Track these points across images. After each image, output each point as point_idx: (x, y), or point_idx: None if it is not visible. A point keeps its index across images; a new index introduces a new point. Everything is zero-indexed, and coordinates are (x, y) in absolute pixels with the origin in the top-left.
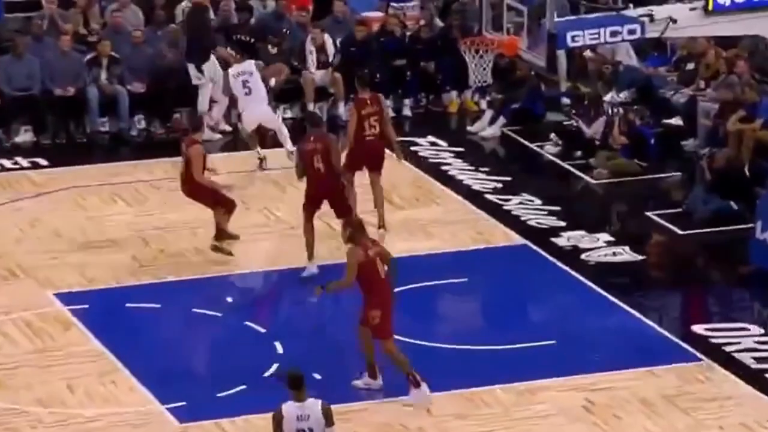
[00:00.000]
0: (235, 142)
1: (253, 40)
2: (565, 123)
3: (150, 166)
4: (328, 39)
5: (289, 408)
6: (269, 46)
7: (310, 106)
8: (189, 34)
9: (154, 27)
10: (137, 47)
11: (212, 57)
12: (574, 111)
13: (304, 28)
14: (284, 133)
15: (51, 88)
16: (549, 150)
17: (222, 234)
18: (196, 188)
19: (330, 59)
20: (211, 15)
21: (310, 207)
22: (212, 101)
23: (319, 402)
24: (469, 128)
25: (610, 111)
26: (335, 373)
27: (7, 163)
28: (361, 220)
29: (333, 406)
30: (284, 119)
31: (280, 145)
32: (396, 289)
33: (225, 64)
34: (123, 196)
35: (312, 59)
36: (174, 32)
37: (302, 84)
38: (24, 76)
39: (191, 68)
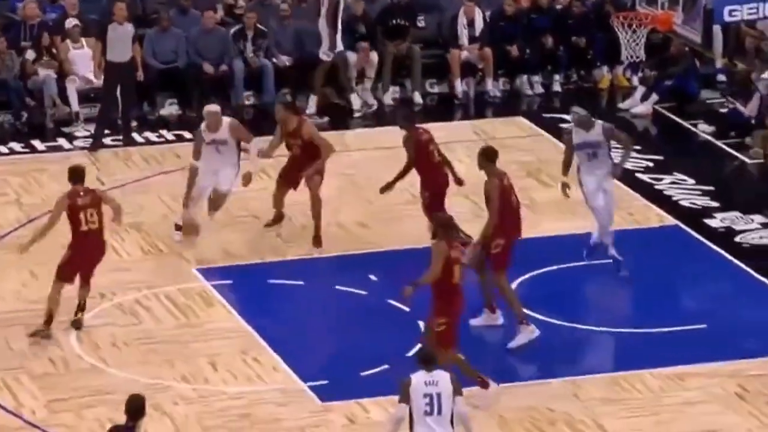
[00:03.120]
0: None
1: (407, 23)
2: (720, 102)
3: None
4: (479, 13)
5: (417, 375)
6: (418, 21)
7: (457, 83)
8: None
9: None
10: (284, 20)
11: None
12: (729, 91)
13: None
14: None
15: (197, 62)
16: (703, 128)
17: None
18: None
19: (479, 34)
20: None
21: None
22: None
23: (448, 373)
24: (620, 105)
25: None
26: (476, 355)
27: (152, 136)
28: (451, 217)
29: (473, 388)
30: (430, 94)
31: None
32: (545, 269)
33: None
34: (267, 171)
35: (464, 34)
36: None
37: (449, 60)
38: (169, 49)
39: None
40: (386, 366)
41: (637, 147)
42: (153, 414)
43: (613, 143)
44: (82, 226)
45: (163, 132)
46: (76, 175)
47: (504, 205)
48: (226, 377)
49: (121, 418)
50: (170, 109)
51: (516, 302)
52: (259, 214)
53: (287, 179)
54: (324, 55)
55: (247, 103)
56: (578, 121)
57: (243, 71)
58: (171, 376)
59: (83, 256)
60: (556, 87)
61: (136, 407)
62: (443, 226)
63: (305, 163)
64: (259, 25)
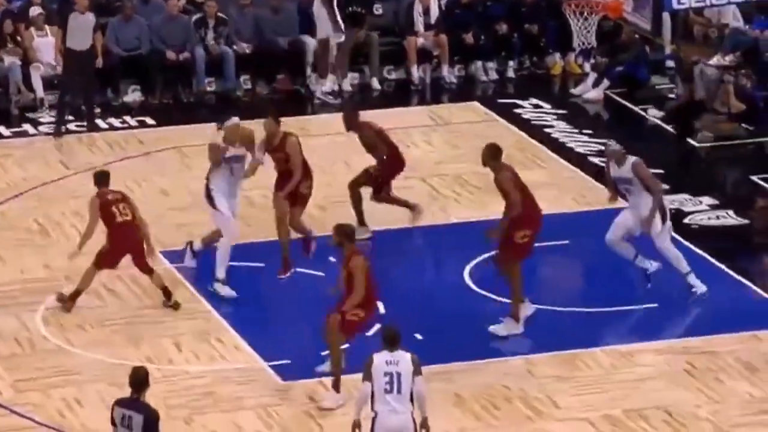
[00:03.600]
0: None
1: (363, 10)
2: (669, 87)
3: (256, 126)
4: (434, 1)
5: (379, 354)
6: (374, 8)
7: (414, 69)
8: None
9: None
10: (244, 8)
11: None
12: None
13: None
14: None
15: (160, 49)
16: (653, 113)
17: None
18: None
19: (434, 21)
20: None
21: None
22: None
23: (410, 353)
24: (572, 91)
25: (719, 76)
26: (437, 335)
27: (116, 122)
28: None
29: (434, 366)
30: (388, 80)
31: None
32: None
33: None
34: None
35: (420, 21)
36: None
37: (406, 47)
38: (132, 36)
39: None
40: (346, 345)
41: (589, 131)
42: (117, 394)
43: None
44: (117, 218)
45: (127, 118)
46: (102, 178)
47: (524, 194)
48: (189, 357)
49: (87, 398)
50: (133, 95)
51: (518, 296)
52: None
53: (289, 201)
54: (334, 38)
55: (208, 89)
56: (610, 154)
57: (204, 58)
58: (136, 356)
59: (124, 246)
60: (510, 73)
61: (139, 380)
62: (348, 236)
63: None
64: (220, 14)
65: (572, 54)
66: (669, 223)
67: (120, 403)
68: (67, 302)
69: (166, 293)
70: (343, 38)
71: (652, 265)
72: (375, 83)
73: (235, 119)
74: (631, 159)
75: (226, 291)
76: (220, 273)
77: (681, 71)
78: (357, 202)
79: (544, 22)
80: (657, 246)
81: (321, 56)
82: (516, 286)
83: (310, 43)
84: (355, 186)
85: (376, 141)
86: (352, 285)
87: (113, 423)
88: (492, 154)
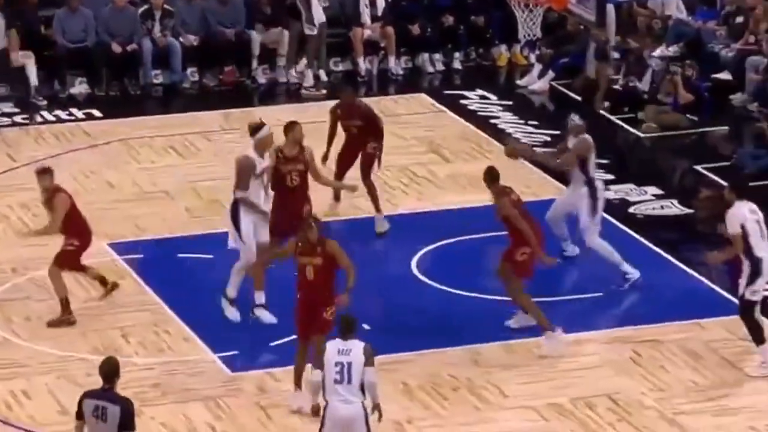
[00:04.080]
0: None
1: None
2: (613, 78)
3: (202, 118)
4: None
5: (332, 342)
6: (322, 1)
7: (360, 61)
8: None
9: None
10: (190, 0)
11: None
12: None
13: None
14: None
15: (106, 41)
16: (598, 104)
17: None
18: None
19: (381, 13)
20: None
21: None
22: None
23: (363, 343)
24: (518, 82)
25: (664, 67)
26: (384, 325)
27: (62, 114)
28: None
29: (381, 356)
30: (335, 72)
31: None
32: (446, 242)
33: None
34: (176, 148)
35: (366, 13)
36: None
37: (352, 39)
38: (79, 29)
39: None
40: (295, 336)
41: (535, 122)
42: (65, 386)
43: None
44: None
45: (73, 110)
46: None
47: (524, 217)
48: (137, 349)
49: (35, 390)
50: (80, 87)
51: (535, 309)
52: (168, 188)
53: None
54: (308, 29)
55: (155, 81)
56: (571, 128)
57: (151, 50)
58: (84, 348)
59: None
60: (456, 65)
61: (112, 370)
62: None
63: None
64: (166, 5)
65: (518, 45)
66: (599, 216)
67: (90, 395)
68: (63, 316)
69: (103, 282)
70: (316, 30)
71: (574, 250)
72: (322, 75)
73: (267, 128)
74: (582, 136)
75: (231, 312)
76: (230, 292)
77: (629, 63)
78: (373, 191)
79: (490, 13)
80: (586, 242)
81: (316, 45)
82: (533, 312)
83: (255, 37)
84: (364, 177)
85: (372, 115)
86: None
87: (79, 417)
88: (492, 176)
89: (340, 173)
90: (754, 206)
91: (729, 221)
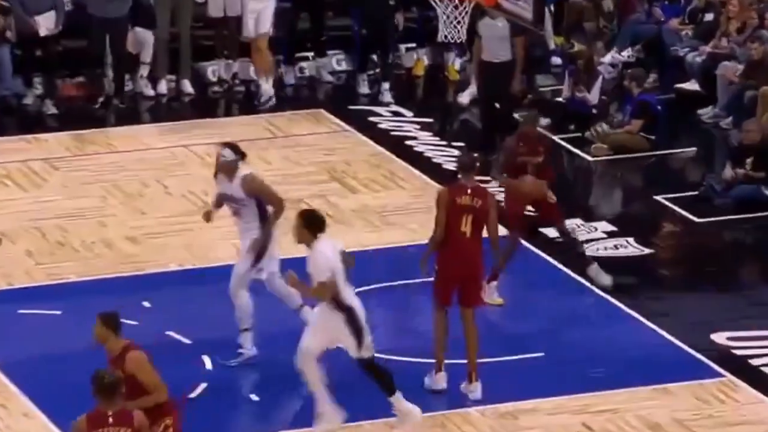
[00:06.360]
0: None
1: None
2: (555, 90)
3: (47, 142)
4: None
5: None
6: None
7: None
8: None
9: None
10: None
11: None
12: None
13: None
14: None
15: None
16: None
17: None
18: None
19: None
20: None
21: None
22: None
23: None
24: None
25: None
26: (277, 395)
27: None
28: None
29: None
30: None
31: None
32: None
33: None
34: (14, 178)
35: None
36: None
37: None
38: None
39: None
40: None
41: (459, 143)
42: None
43: None
44: None
45: None
46: None
47: None
48: None
49: None
50: None
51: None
52: (5, 229)
53: None
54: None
55: None
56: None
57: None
58: None
59: None
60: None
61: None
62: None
63: None
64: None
65: (449, 55)
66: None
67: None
68: None
69: None
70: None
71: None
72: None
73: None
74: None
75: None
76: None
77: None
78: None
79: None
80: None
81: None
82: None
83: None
84: None
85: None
86: None
87: None
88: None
89: None
90: None
91: None
